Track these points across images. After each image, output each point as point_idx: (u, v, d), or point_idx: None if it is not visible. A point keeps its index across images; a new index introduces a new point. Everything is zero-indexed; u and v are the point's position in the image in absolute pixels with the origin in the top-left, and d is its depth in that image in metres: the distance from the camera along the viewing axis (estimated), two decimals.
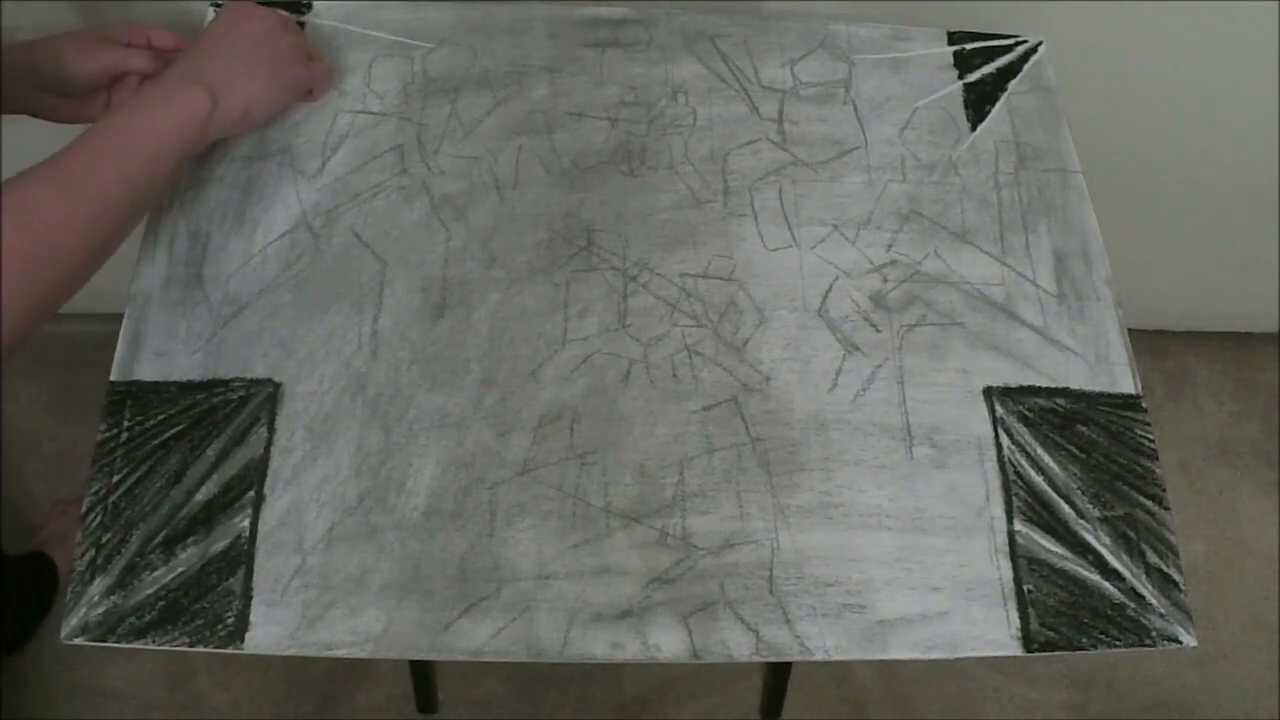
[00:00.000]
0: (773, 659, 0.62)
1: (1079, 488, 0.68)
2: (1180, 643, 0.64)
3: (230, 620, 0.60)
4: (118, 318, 0.69)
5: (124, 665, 1.31)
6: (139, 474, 0.64)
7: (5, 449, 1.43)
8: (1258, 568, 1.47)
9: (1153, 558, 0.66)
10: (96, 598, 0.61)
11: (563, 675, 1.34)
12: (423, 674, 1.26)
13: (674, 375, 0.69)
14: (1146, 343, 1.56)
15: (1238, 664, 1.40)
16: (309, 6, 0.83)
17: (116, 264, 0.67)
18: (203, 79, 0.66)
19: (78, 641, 0.59)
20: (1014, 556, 0.65)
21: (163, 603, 0.61)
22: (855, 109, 0.82)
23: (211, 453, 0.65)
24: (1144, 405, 0.71)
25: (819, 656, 0.62)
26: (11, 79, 0.71)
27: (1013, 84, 0.84)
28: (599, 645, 0.61)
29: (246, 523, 0.63)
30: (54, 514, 1.37)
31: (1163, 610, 0.65)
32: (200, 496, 0.63)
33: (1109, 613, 0.64)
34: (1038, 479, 0.68)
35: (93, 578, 0.61)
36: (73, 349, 1.40)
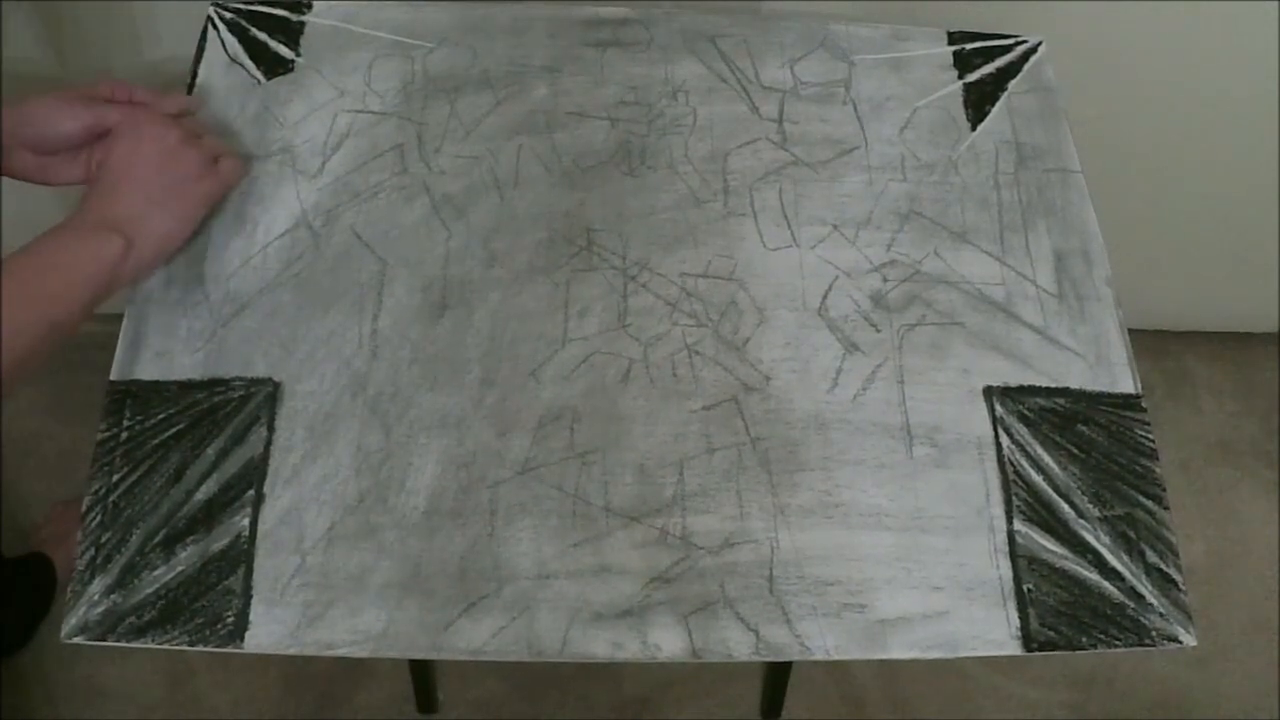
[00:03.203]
0: (772, 658, 0.62)
1: (1079, 487, 0.68)
2: (1180, 642, 0.64)
3: (230, 619, 0.60)
4: (118, 318, 0.69)
5: (124, 665, 1.31)
6: (139, 473, 0.64)
7: (5, 449, 1.43)
8: (1258, 568, 1.47)
9: (1152, 557, 0.66)
10: (96, 597, 0.61)
11: (563, 675, 1.33)
12: (423, 674, 1.26)
13: (674, 375, 0.69)
14: (1146, 343, 1.56)
15: (1238, 664, 1.40)
16: (309, 6, 0.83)
17: None
18: (116, 222, 0.65)
19: (77, 640, 0.59)
20: (1014, 556, 0.65)
21: (162, 602, 0.61)
22: (855, 109, 0.82)
23: (211, 452, 0.65)
24: (1144, 405, 0.71)
25: (818, 656, 0.62)
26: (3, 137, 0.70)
27: (1013, 84, 0.84)
28: (599, 645, 0.61)
29: (246, 522, 0.63)
30: (53, 515, 1.36)
31: (1162, 610, 0.65)
32: (200, 496, 0.64)
33: (1109, 612, 0.64)
34: (1038, 478, 0.68)
35: (92, 577, 0.61)
36: (73, 349, 1.39)
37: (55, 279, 0.61)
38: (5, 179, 0.71)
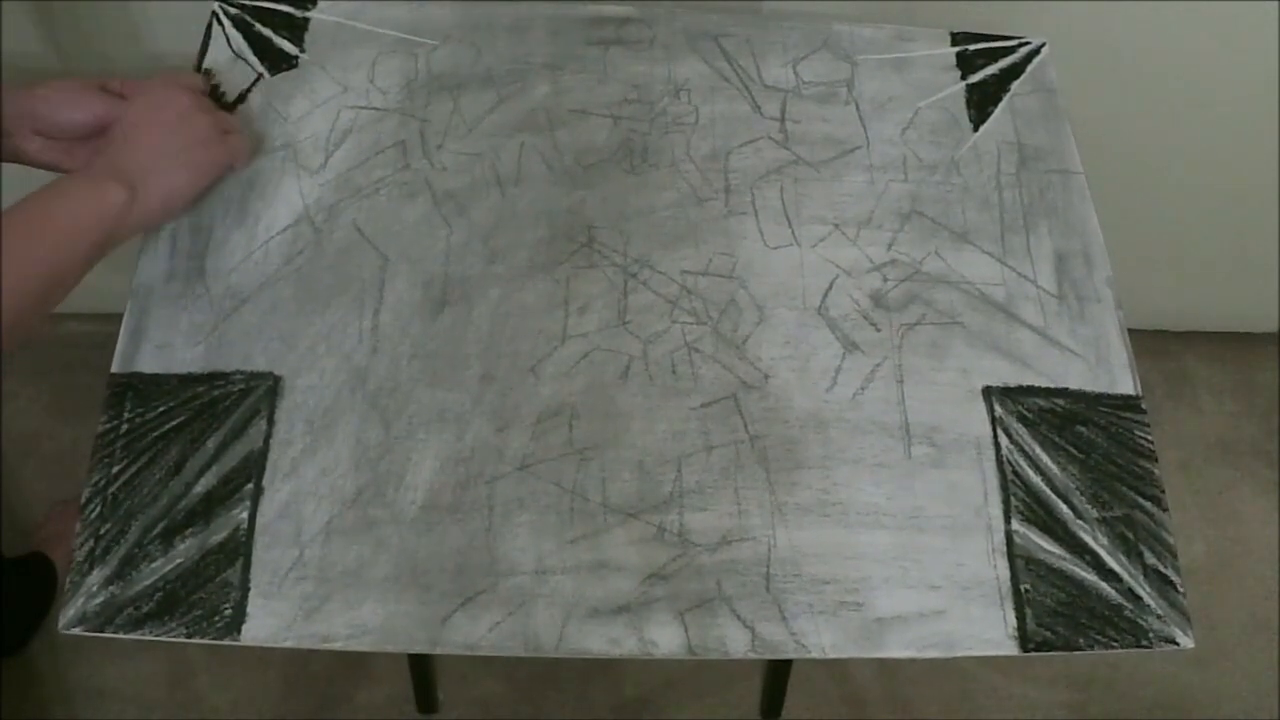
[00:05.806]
0: (769, 656, 0.62)
1: (1077, 488, 0.68)
2: (1177, 644, 0.64)
3: (228, 611, 0.61)
4: (117, 318, 0.69)
5: (124, 665, 1.31)
6: (138, 465, 0.64)
7: (5, 449, 1.43)
8: (1258, 568, 1.47)
9: (1150, 559, 0.66)
10: (95, 588, 0.61)
11: (563, 675, 1.33)
12: (423, 673, 1.26)
13: (673, 372, 0.70)
14: (1146, 343, 1.55)
15: (1238, 664, 1.40)
16: (314, 3, 0.83)
17: (116, 262, 0.67)
18: (122, 173, 0.66)
19: (75, 632, 0.60)
20: (1011, 556, 0.65)
21: (161, 594, 0.61)
22: (857, 109, 0.82)
23: (211, 445, 0.65)
24: (1143, 406, 0.71)
25: (815, 654, 0.62)
26: (7, 120, 0.70)
27: (1015, 85, 0.84)
28: (595, 641, 0.61)
29: (245, 515, 0.63)
30: (53, 514, 1.37)
31: (1160, 611, 0.65)
32: (199, 488, 0.64)
33: (1106, 613, 0.64)
34: (1036, 479, 0.68)
35: (91, 568, 0.61)
36: (73, 349, 1.40)
37: (57, 226, 0.62)
38: (11, 165, 0.72)
